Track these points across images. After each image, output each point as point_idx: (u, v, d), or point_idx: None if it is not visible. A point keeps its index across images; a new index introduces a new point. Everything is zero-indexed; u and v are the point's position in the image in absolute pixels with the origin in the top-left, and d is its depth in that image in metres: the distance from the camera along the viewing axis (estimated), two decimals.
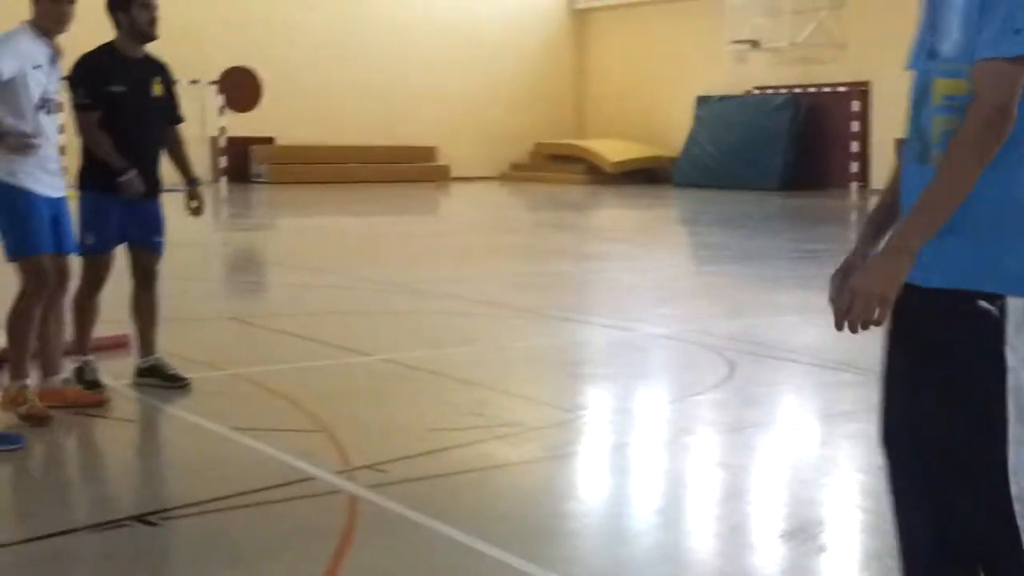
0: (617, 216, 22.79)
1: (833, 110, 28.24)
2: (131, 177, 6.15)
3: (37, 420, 5.64)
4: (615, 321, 9.21)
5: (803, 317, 9.04)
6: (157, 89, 6.44)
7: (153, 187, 6.38)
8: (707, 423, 6.09)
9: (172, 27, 6.47)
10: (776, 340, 8.20)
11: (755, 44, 29.02)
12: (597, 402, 6.70)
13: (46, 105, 5.72)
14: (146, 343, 6.55)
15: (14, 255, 5.76)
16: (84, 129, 6.23)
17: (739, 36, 29.04)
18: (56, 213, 5.83)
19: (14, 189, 5.63)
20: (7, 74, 5.52)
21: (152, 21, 6.28)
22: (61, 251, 5.91)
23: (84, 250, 6.29)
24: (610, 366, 7.65)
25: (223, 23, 28.18)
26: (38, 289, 5.71)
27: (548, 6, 34.61)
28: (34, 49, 5.67)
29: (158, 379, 6.47)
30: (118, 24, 6.30)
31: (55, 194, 5.78)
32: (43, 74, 5.69)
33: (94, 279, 6.36)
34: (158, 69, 6.49)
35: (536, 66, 34.14)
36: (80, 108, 6.24)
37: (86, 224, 6.27)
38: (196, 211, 6.60)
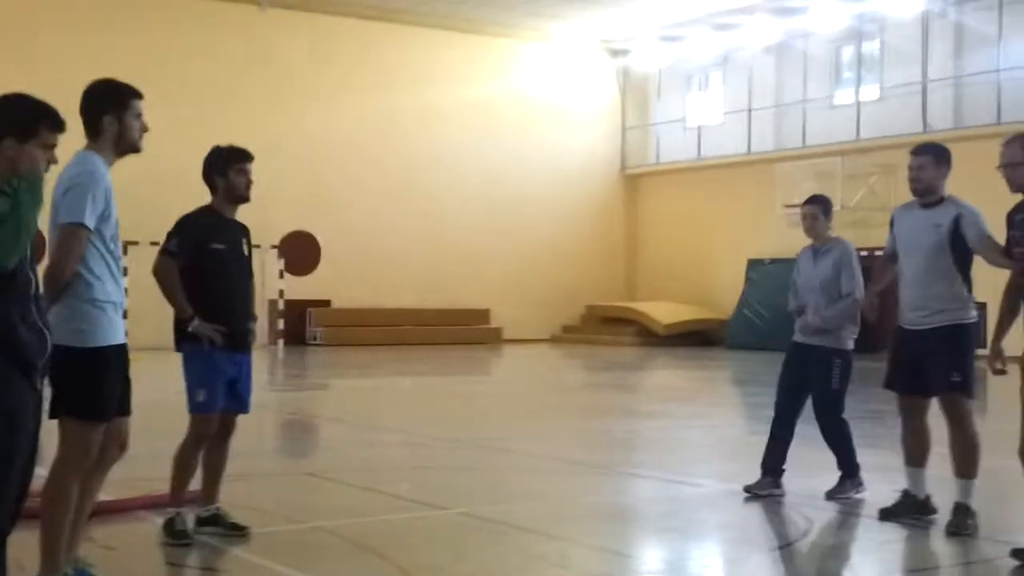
0: (671, 377, 22.85)
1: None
2: (200, 324, 6.28)
3: None
4: (682, 477, 9.24)
5: (874, 475, 9.01)
6: (245, 248, 6.74)
7: (247, 340, 6.61)
8: None
9: None
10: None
11: None
12: (678, 555, 6.72)
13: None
14: (211, 493, 6.67)
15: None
16: (163, 272, 6.33)
17: (790, 200, 29.39)
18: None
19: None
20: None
21: (248, 185, 6.61)
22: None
23: (195, 408, 6.43)
24: (685, 519, 7.64)
25: (283, 190, 28.94)
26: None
27: (599, 170, 35.18)
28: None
29: (220, 528, 6.56)
30: (214, 188, 6.61)
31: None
32: None
33: (203, 436, 6.49)
34: (245, 230, 6.77)
35: (587, 229, 34.59)
36: (166, 253, 6.37)
37: (199, 381, 6.42)
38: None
